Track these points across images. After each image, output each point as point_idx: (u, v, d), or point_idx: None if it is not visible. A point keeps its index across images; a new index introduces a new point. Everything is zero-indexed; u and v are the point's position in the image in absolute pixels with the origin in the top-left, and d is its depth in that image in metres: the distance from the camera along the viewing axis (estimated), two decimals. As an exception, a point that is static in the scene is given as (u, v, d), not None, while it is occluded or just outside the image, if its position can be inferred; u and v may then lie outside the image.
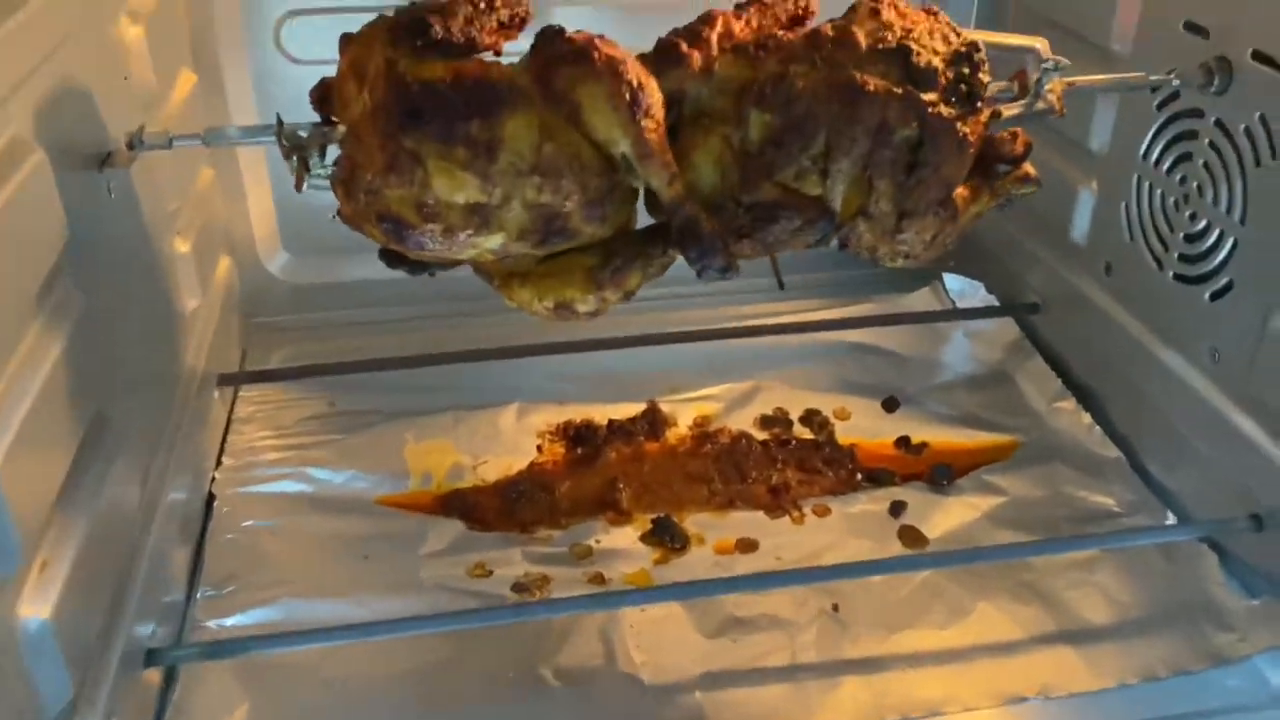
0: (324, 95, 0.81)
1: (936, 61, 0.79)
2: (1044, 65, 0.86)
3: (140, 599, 0.82)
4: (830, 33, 0.80)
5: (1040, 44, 0.86)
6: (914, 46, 0.79)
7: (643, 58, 0.80)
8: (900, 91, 0.78)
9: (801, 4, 0.85)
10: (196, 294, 1.06)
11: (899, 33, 0.80)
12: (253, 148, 1.22)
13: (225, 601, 0.93)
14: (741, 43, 0.80)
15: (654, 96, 0.76)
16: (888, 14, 0.81)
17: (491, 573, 0.97)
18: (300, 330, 1.32)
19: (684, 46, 0.79)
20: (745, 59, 0.79)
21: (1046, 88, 0.86)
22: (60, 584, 0.67)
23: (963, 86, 0.80)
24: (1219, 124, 0.96)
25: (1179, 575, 0.96)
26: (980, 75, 0.81)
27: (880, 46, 0.79)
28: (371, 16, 1.16)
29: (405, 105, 0.73)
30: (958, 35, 0.82)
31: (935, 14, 0.84)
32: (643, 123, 0.75)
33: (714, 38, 0.80)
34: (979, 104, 0.81)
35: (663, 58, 0.79)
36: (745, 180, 0.79)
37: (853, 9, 0.82)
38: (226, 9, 1.15)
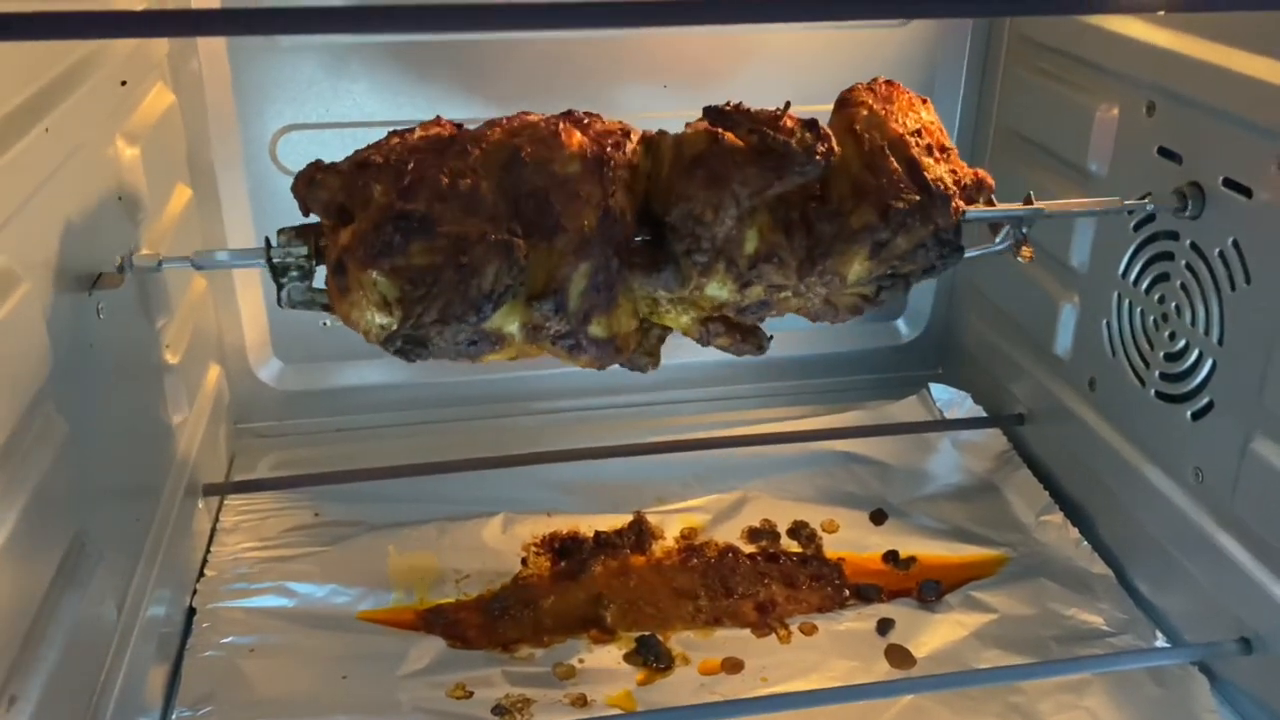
0: (309, 182, 0.83)
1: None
2: (1015, 232, 0.92)
3: (112, 723, 0.81)
4: (817, 265, 0.86)
5: (1023, 215, 0.93)
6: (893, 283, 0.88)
7: (634, 261, 0.85)
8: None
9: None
10: (184, 407, 1.06)
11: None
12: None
13: (200, 723, 0.92)
14: (735, 264, 0.85)
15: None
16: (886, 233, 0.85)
17: (472, 694, 0.95)
18: (290, 436, 1.33)
19: (681, 270, 0.85)
20: (735, 283, 0.86)
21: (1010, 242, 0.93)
22: (26, 718, 0.66)
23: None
24: (1194, 247, 0.98)
25: (1169, 700, 0.95)
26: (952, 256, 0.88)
27: (870, 274, 0.87)
28: (366, 131, 1.21)
29: (399, 347, 0.83)
30: (952, 227, 0.86)
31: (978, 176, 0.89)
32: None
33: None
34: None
35: (662, 275, 0.86)
36: (702, 338, 0.90)
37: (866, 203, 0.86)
38: (223, 126, 1.18)
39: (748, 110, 0.85)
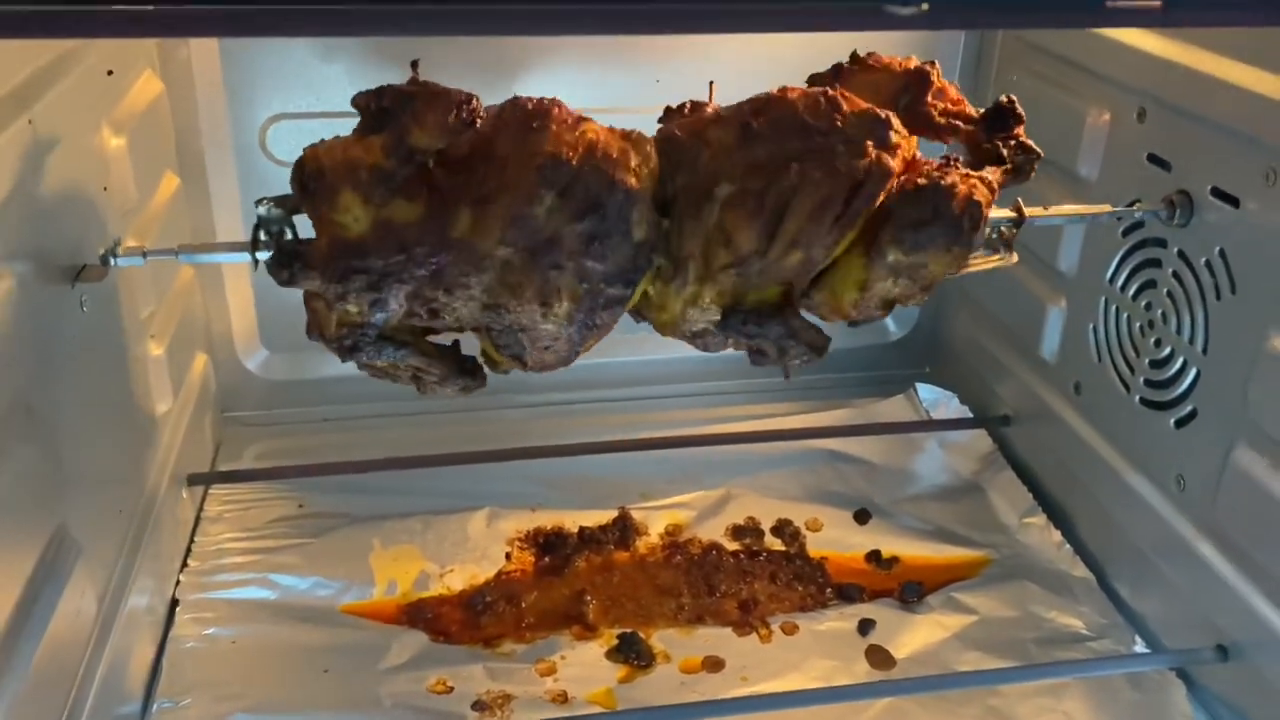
0: (284, 280, 0.81)
1: None
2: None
3: (91, 714, 0.81)
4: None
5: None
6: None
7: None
8: None
9: None
10: (168, 398, 1.06)
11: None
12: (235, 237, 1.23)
13: (181, 715, 0.92)
14: None
15: None
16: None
17: (453, 689, 0.96)
18: (276, 426, 1.32)
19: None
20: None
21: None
22: (2, 712, 0.66)
23: None
24: (1181, 255, 0.98)
25: (1146, 705, 0.96)
26: None
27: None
28: (355, 122, 1.20)
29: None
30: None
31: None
32: None
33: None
34: None
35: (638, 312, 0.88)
36: None
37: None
38: (212, 115, 1.17)
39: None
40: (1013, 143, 0.87)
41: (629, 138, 0.80)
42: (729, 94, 1.17)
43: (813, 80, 0.90)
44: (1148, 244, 1.03)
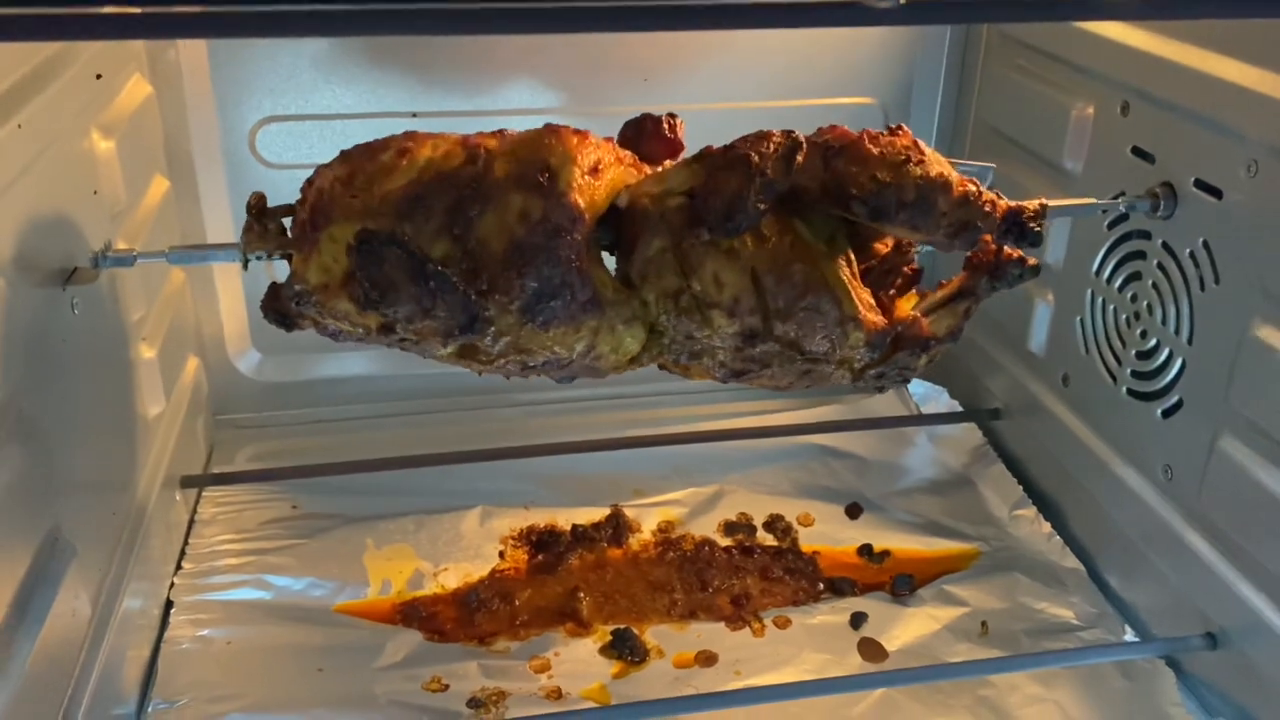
0: (296, 299, 0.83)
1: None
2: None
3: (86, 715, 0.81)
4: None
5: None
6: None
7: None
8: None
9: None
10: (160, 400, 1.06)
11: None
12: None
13: (176, 715, 0.92)
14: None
15: None
16: None
17: (448, 687, 0.96)
18: (268, 427, 1.33)
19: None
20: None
21: None
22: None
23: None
24: (1165, 247, 0.99)
25: (1136, 694, 0.96)
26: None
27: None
28: (344, 124, 1.21)
29: None
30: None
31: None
32: None
33: None
34: None
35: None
36: None
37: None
38: (202, 118, 1.17)
39: None
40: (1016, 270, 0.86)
41: (624, 353, 0.85)
42: (717, 92, 1.19)
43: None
44: (1132, 236, 1.04)
